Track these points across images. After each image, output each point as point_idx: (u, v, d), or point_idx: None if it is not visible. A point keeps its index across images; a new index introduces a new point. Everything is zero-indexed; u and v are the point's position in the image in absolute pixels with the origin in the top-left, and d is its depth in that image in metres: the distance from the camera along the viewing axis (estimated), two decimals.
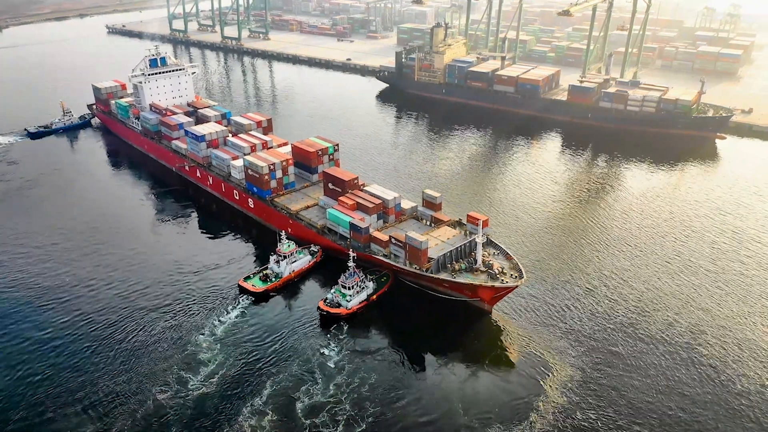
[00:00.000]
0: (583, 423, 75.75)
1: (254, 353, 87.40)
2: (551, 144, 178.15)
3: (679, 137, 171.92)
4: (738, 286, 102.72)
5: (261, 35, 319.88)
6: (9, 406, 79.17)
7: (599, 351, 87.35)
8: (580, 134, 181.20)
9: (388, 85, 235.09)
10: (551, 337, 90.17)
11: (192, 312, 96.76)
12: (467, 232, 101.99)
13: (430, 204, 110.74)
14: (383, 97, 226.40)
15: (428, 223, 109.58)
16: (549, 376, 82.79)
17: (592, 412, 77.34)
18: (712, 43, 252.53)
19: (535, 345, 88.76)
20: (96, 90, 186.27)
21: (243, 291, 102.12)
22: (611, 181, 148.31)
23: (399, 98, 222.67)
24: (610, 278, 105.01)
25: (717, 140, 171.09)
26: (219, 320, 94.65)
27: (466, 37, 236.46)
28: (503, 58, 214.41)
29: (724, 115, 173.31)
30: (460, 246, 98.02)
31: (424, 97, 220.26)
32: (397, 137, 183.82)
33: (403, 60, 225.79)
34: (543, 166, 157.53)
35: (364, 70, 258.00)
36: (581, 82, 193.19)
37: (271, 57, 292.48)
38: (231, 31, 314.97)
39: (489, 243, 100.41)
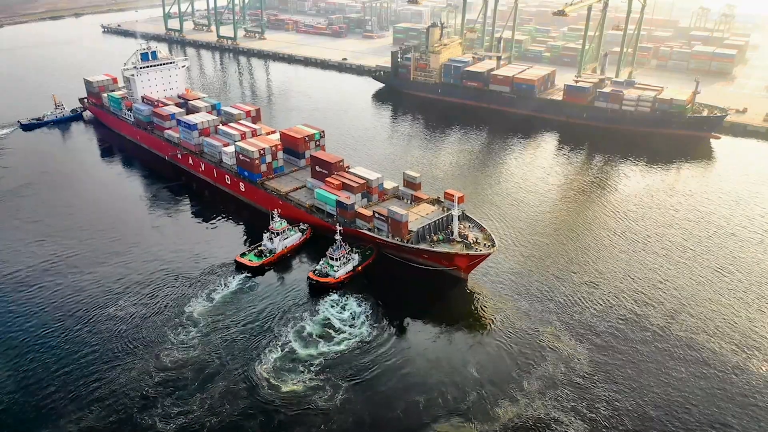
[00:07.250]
0: (554, 382, 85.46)
1: (253, 320, 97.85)
2: (546, 143, 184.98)
3: (673, 137, 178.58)
4: (731, 284, 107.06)
5: (257, 35, 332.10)
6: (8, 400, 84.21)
7: (567, 315, 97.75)
8: (575, 134, 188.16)
9: (384, 84, 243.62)
10: (519, 302, 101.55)
11: (192, 288, 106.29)
12: (445, 208, 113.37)
13: (411, 184, 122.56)
14: (379, 97, 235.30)
15: (408, 201, 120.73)
16: (518, 337, 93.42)
17: (561, 369, 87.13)
18: (706, 43, 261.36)
19: (505, 309, 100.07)
20: (88, 84, 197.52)
21: (240, 266, 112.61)
22: (605, 180, 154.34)
23: (395, 98, 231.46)
24: (596, 264, 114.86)
25: (712, 140, 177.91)
26: (219, 293, 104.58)
27: (462, 37, 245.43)
28: (499, 58, 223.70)
29: (718, 114, 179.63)
30: (438, 219, 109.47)
31: (420, 96, 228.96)
32: (392, 136, 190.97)
33: (399, 60, 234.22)
34: (537, 164, 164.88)
35: (360, 70, 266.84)
36: (577, 81, 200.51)
37: (266, 57, 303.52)
38: (227, 30, 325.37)
39: (465, 217, 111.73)
